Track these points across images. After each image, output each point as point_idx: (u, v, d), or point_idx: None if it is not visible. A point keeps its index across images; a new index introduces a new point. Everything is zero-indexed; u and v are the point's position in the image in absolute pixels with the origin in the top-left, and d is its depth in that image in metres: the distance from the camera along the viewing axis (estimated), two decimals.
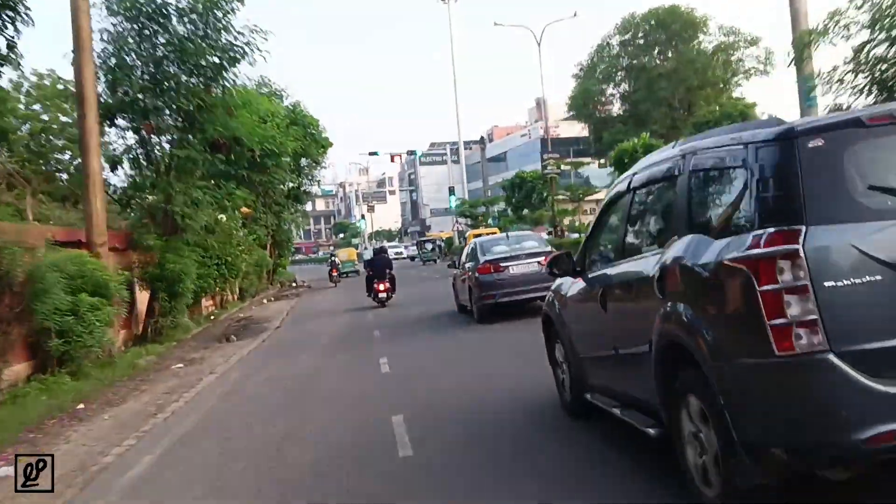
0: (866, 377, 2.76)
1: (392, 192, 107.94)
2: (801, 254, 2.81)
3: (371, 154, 70.89)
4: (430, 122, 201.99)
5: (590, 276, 4.98)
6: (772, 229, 2.93)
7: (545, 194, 37.98)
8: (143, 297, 14.34)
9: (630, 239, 4.48)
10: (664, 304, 3.61)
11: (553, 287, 5.93)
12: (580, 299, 5.17)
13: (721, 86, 41.33)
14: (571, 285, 5.38)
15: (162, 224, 14.25)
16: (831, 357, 2.77)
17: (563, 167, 39.89)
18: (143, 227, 14.28)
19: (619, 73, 43.21)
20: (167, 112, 14.28)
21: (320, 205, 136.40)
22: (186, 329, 15.11)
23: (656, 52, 42.28)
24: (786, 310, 2.80)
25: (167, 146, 14.80)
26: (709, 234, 3.38)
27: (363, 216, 56.89)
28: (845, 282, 2.80)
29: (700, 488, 3.50)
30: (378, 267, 18.86)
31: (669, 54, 41.74)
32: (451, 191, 54.75)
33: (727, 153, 3.41)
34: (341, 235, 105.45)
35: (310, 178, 32.36)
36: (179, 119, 14.46)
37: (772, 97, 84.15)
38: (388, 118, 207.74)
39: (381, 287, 18.29)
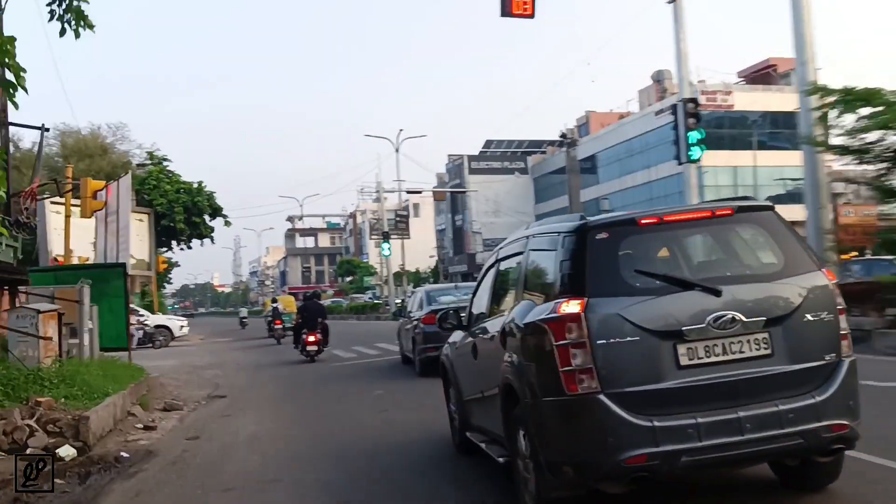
0: (626, 412, 3.79)
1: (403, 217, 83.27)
2: (582, 319, 3.89)
3: (411, 192, 49.74)
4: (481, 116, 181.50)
5: (472, 330, 6.06)
6: (564, 299, 4.01)
7: None
8: None
9: (493, 301, 5.65)
10: (504, 355, 4.69)
11: (449, 338, 7.04)
12: (463, 350, 6.28)
13: None
14: (461, 338, 6.46)
15: None
16: (602, 397, 3.82)
17: None
18: None
19: None
20: None
21: (323, 240, 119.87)
22: None
23: None
24: (572, 360, 3.87)
25: None
26: (534, 301, 4.46)
27: (387, 241, 39.35)
28: (613, 340, 3.86)
29: (527, 502, 4.52)
30: (310, 315, 17.77)
31: None
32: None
33: (549, 239, 4.56)
34: (349, 279, 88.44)
35: None
36: None
37: None
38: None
39: (311, 339, 17.22)
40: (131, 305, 29.79)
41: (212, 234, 37.53)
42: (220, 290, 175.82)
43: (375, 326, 23.70)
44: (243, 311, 50.08)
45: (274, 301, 31.57)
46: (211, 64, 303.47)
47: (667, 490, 4.73)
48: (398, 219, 41.90)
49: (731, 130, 46.43)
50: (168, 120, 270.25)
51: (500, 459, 5.10)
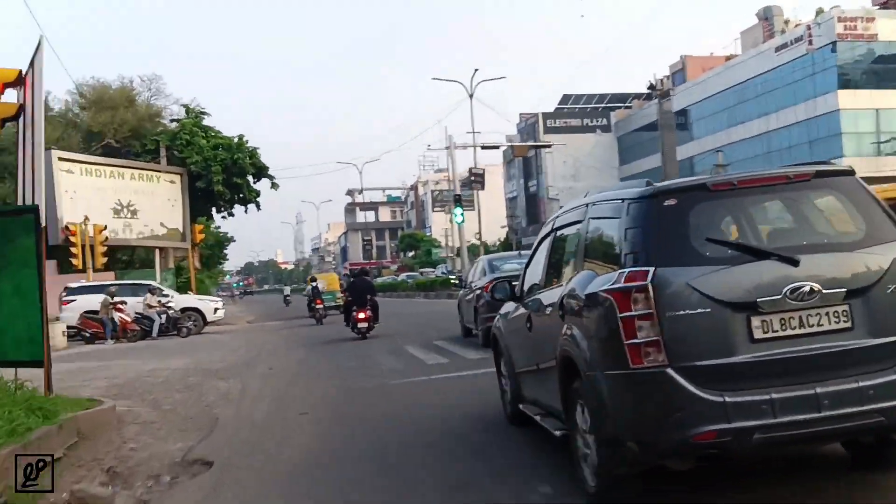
0: (696, 387, 3.61)
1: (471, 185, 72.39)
2: (650, 289, 3.70)
3: (486, 147, 41.49)
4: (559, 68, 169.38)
5: (525, 301, 5.88)
6: (631, 268, 3.83)
7: None
8: None
9: (550, 272, 5.42)
10: (563, 326, 4.49)
11: (501, 309, 6.93)
12: (516, 321, 6.11)
13: None
14: (513, 309, 6.32)
15: None
16: (669, 371, 3.65)
17: None
18: None
19: None
20: None
21: (384, 214, 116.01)
22: None
23: None
24: (638, 332, 3.70)
25: None
26: (596, 271, 4.27)
27: (459, 204, 32.92)
28: (682, 312, 3.68)
29: (585, 477, 4.35)
30: (358, 292, 17.24)
31: None
32: None
33: (612, 206, 4.33)
34: (411, 253, 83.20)
35: None
36: None
37: None
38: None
39: (361, 315, 16.72)
40: (153, 283, 24.34)
41: (257, 199, 31.77)
42: (283, 266, 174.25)
43: (448, 307, 18.42)
44: (286, 290, 47.03)
45: (313, 280, 28.42)
46: (260, 17, 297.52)
47: (732, 467, 4.48)
48: (473, 177, 35.38)
49: (875, 66, 38.38)
50: (212, 79, 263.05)
51: (557, 433, 4.94)
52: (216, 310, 22.87)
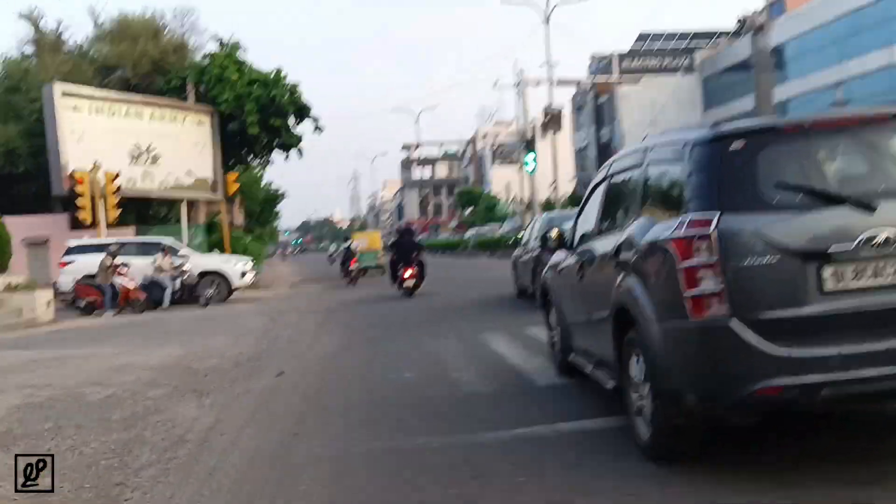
0: (760, 340, 3.45)
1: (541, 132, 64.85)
2: (714, 237, 3.52)
3: (562, 83, 34.99)
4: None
5: (576, 250, 5.77)
6: (693, 215, 3.65)
7: None
8: None
9: (604, 220, 5.24)
10: (618, 275, 4.36)
11: (550, 260, 6.83)
12: (567, 271, 5.95)
13: None
14: (564, 258, 6.14)
15: None
16: (733, 323, 3.48)
17: None
18: None
19: None
20: None
21: (441, 170, 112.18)
22: None
23: None
24: (699, 282, 3.53)
25: None
26: (655, 218, 4.11)
27: (531, 150, 28.09)
28: (748, 261, 3.48)
29: (638, 429, 4.22)
30: (404, 250, 17.01)
31: None
32: None
33: (673, 150, 4.14)
34: (469, 209, 78.95)
35: None
36: None
37: None
38: None
39: (408, 273, 16.46)
40: (165, 241, 20.37)
41: (299, 144, 27.50)
42: (339, 225, 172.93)
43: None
44: (331, 247, 45.51)
45: (346, 238, 28.11)
46: None
47: (791, 423, 4.31)
48: (548, 118, 30.41)
49: None
50: (252, 19, 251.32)
51: (609, 385, 4.88)
52: (244, 273, 18.73)
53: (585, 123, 60.95)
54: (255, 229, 67.35)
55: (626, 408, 4.37)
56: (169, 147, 23.79)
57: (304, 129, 27.14)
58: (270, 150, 27.42)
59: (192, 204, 25.31)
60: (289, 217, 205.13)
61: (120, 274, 16.04)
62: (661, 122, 53.01)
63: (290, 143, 26.86)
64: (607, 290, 4.48)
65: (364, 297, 18.35)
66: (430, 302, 15.36)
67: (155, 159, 23.48)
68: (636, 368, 4.17)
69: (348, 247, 25.10)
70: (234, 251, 26.13)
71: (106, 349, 10.33)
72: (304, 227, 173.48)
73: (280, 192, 65.84)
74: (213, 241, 25.91)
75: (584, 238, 5.60)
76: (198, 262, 18.27)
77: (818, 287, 3.49)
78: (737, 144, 3.69)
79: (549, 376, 6.71)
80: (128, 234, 22.57)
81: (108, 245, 16.92)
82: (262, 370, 8.23)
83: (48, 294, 15.12)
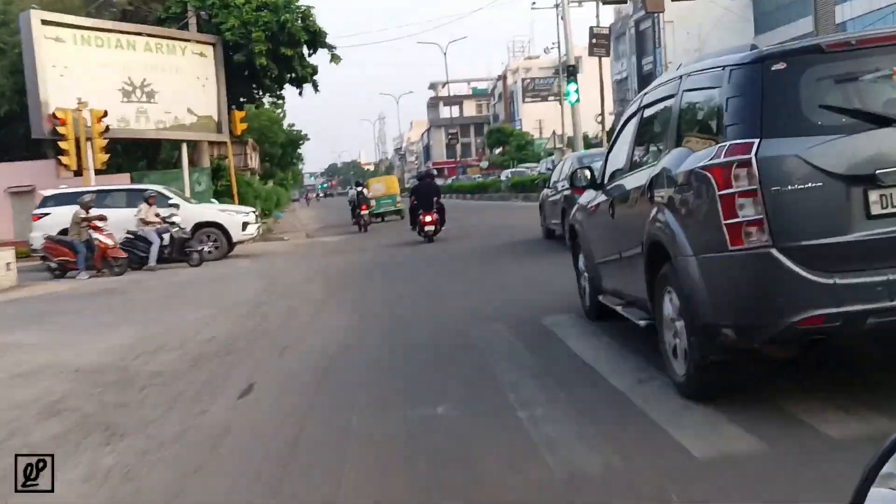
0: (802, 269, 3.33)
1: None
2: (754, 163, 3.37)
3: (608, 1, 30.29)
4: None
5: (607, 188, 5.53)
6: (732, 141, 3.50)
7: None
8: None
9: (636, 154, 5.04)
10: (652, 209, 4.21)
11: (579, 199, 6.67)
12: (597, 210, 5.77)
13: None
14: (593, 197, 5.93)
15: None
16: (774, 251, 3.36)
17: None
18: None
19: None
20: None
21: (469, 108, 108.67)
22: None
23: None
24: (738, 211, 3.40)
25: None
26: (691, 149, 3.93)
27: (573, 79, 24.83)
28: (790, 187, 3.36)
29: (673, 367, 4.13)
30: (423, 195, 16.79)
31: None
32: None
33: (710, 75, 3.95)
34: (498, 150, 76.10)
35: None
36: None
37: None
38: None
39: (428, 218, 16.31)
40: (152, 188, 17.66)
41: (314, 77, 24.56)
42: (365, 167, 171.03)
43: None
44: (352, 192, 41.52)
45: (358, 184, 25.78)
46: None
47: (831, 356, 4.26)
48: (594, 40, 26.98)
49: None
50: None
51: (641, 323, 4.71)
52: (245, 224, 16.12)
53: (626, 53, 56.71)
54: (276, 174, 65.05)
55: (660, 345, 4.30)
56: (166, 82, 21.03)
57: (319, 60, 24.08)
58: (282, 84, 24.54)
59: (194, 145, 22.68)
60: (315, 161, 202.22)
61: (95, 228, 13.52)
62: (708, 49, 49.20)
63: (303, 75, 23.92)
64: (639, 226, 4.40)
65: (384, 248, 16.58)
66: (458, 246, 15.05)
67: (150, 96, 20.77)
68: (670, 305, 4.09)
69: (360, 192, 24.08)
70: (244, 200, 23.60)
71: (36, 335, 7.86)
72: (332, 171, 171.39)
73: (303, 133, 63.20)
74: (221, 187, 23.39)
75: (615, 175, 5.43)
76: (191, 212, 15.66)
77: (864, 212, 3.39)
78: (778, 66, 3.55)
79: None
80: (122, 182, 20.13)
81: (83, 193, 14.37)
82: (227, 378, 5.63)
83: (8, 255, 12.68)
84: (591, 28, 28.27)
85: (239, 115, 22.92)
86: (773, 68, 3.52)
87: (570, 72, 26.71)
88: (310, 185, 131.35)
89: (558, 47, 31.38)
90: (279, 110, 57.59)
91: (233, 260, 15.62)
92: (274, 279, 11.72)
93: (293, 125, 63.85)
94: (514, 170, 44.77)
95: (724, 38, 48.07)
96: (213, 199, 20.19)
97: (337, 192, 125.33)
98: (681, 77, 4.35)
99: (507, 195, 38.68)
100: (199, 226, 15.62)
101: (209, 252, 15.53)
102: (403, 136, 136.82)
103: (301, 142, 64.80)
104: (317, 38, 23.44)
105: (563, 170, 13.81)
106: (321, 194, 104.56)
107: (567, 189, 11.99)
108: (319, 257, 15.77)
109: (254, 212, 16.82)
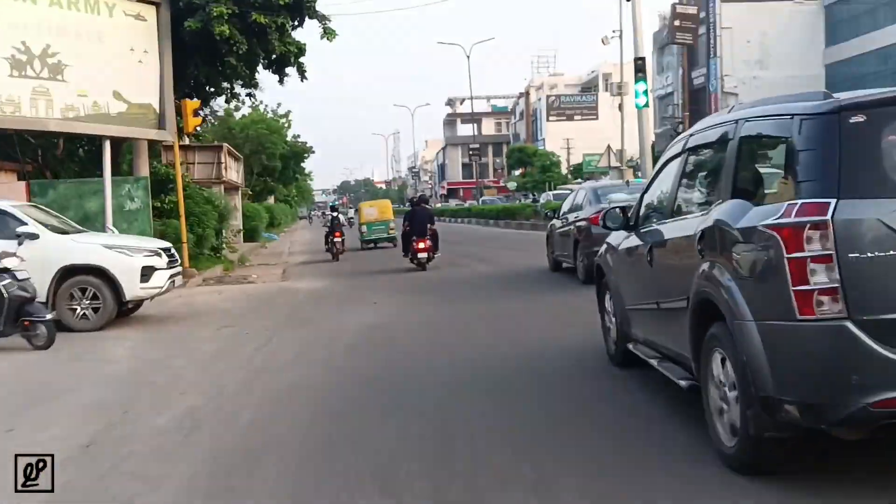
0: (880, 346, 3.05)
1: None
2: (830, 225, 3.08)
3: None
4: None
5: (642, 231, 5.29)
6: (805, 200, 3.19)
7: None
8: None
9: (681, 199, 4.79)
10: (702, 263, 3.93)
11: (608, 239, 6.34)
12: (630, 253, 5.51)
13: None
14: (624, 239, 5.70)
15: None
16: (849, 324, 3.07)
17: None
18: None
19: None
20: None
21: (488, 127, 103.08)
22: None
23: None
24: (810, 277, 3.10)
25: None
26: (750, 201, 3.65)
27: (641, 77, 18.41)
28: (869, 254, 3.08)
29: (720, 438, 3.81)
30: (417, 221, 16.40)
31: None
32: None
33: (775, 123, 3.68)
34: (519, 171, 70.81)
35: None
36: None
37: None
38: None
39: (421, 245, 16.02)
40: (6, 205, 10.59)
41: (299, 59, 18.03)
42: (378, 186, 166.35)
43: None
44: (350, 213, 42.06)
45: (333, 208, 25.85)
46: None
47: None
48: (679, 22, 20.51)
49: None
50: None
51: (683, 383, 4.38)
52: (148, 271, 9.42)
53: (672, 65, 50.14)
54: (278, 189, 58.55)
55: (705, 410, 4.02)
56: (82, 53, 14.45)
57: (307, 34, 17.44)
58: (253, 67, 17.98)
59: (134, 147, 16.14)
60: (326, 177, 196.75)
61: None
62: (771, 62, 42.81)
63: (284, 54, 17.32)
64: (683, 278, 4.14)
65: (370, 291, 12.80)
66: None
67: (56, 71, 14.17)
68: (719, 369, 3.80)
69: (334, 217, 22.52)
70: (200, 224, 17.12)
71: None
72: (344, 188, 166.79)
73: (308, 146, 56.90)
74: (169, 205, 16.88)
75: (652, 217, 5.20)
76: (56, 249, 9.09)
77: None
78: (857, 118, 3.24)
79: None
80: (17, 195, 13.75)
81: None
82: None
83: None
84: (673, 6, 21.74)
85: (191, 105, 16.42)
86: (850, 120, 3.24)
87: (639, 67, 20.24)
88: (321, 203, 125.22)
89: (620, 36, 24.86)
90: (283, 119, 51.56)
91: (119, 331, 9.02)
92: (131, 416, 5.12)
93: (298, 136, 57.68)
94: (555, 192, 37.82)
95: (790, 52, 41.81)
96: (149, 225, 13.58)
97: (343, 209, 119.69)
98: (737, 122, 4.04)
99: (540, 223, 31.82)
100: (68, 272, 9.05)
101: (83, 317, 8.97)
102: (418, 154, 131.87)
103: (306, 154, 58.40)
104: (303, 4, 16.85)
105: (575, 200, 13.60)
106: (319, 213, 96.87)
107: (582, 220, 12.04)
108: (274, 328, 9.17)
109: (167, 249, 10.08)
